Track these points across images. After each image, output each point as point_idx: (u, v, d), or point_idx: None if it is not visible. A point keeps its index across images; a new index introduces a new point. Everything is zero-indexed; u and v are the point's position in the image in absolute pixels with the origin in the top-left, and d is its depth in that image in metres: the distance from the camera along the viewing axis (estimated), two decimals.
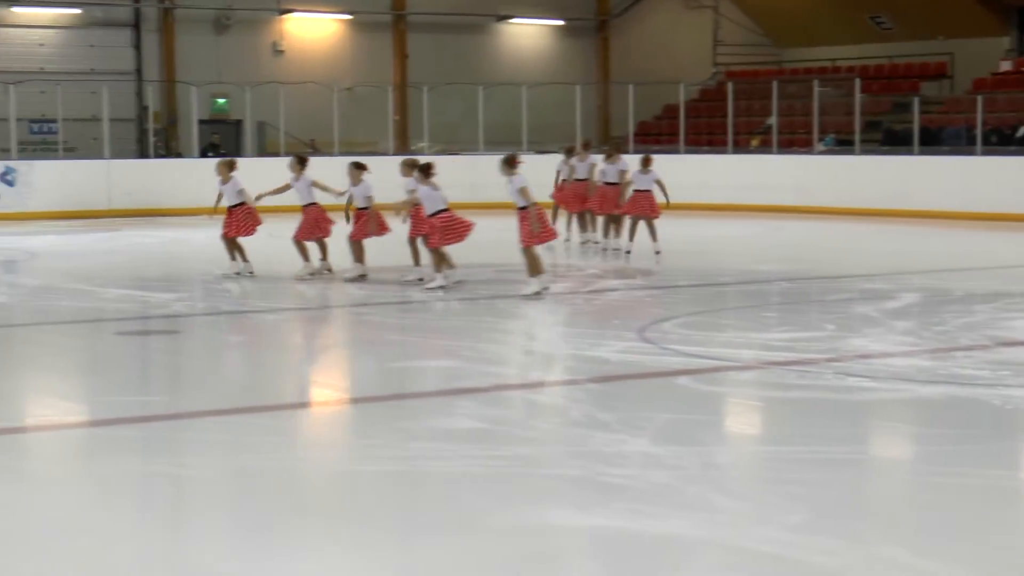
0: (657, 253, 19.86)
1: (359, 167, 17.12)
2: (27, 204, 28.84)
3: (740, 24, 41.51)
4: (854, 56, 38.29)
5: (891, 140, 32.86)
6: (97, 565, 6.30)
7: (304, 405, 10.38)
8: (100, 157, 30.60)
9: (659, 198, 20.34)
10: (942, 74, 37.08)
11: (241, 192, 17.56)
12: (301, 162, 17.66)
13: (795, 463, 7.97)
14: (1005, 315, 13.79)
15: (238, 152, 33.74)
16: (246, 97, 32.85)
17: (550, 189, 23.01)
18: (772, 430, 9.32)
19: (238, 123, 34.97)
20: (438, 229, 15.72)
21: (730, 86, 34.13)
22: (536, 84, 35.65)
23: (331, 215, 17.47)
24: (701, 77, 39.69)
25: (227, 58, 35.61)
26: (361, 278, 16.88)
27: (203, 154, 32.18)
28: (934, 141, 31.31)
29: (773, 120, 32.85)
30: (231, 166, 17.83)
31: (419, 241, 16.63)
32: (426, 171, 15.87)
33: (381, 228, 17.06)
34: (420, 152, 33.95)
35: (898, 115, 33.92)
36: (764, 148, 33.15)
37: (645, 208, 20.30)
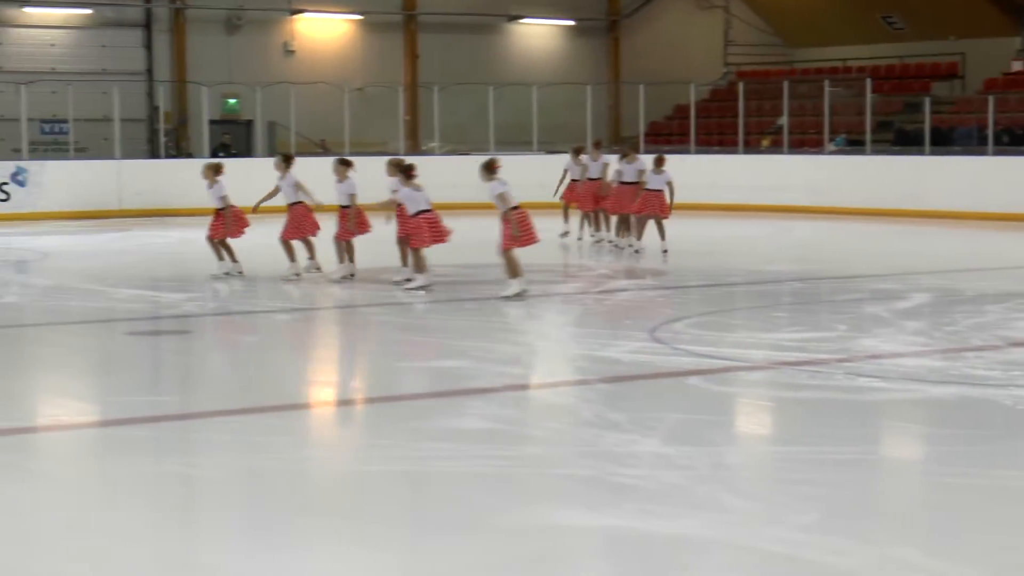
0: (664, 252, 19.90)
1: (344, 163, 17.20)
2: (38, 204, 28.89)
3: (751, 24, 41.47)
4: (865, 56, 38.23)
5: (902, 140, 32.82)
6: (108, 564, 6.30)
7: (314, 405, 10.38)
8: (111, 157, 30.63)
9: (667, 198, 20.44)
10: (953, 74, 37.02)
11: (226, 197, 17.62)
12: (286, 160, 17.68)
13: (806, 463, 7.96)
14: (1016, 315, 13.76)
15: (249, 152, 33.82)
16: (257, 97, 32.87)
17: (555, 189, 23.12)
18: (783, 430, 9.31)
19: (249, 123, 34.98)
20: (419, 229, 15.78)
21: (741, 86, 34.10)
22: (547, 84, 35.64)
23: (323, 215, 17.43)
24: (712, 77, 39.67)
25: (238, 58, 35.65)
26: (345, 279, 16.86)
27: (214, 154, 32.13)
28: (945, 141, 31.27)
29: (784, 120, 32.82)
30: (217, 169, 17.87)
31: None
32: (408, 172, 15.94)
33: (361, 226, 17.07)
34: (431, 152, 34.00)
35: (909, 115, 33.89)
36: (775, 148, 33.12)
37: (656, 207, 20.41)
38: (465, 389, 10.37)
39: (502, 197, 15.06)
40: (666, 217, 20.42)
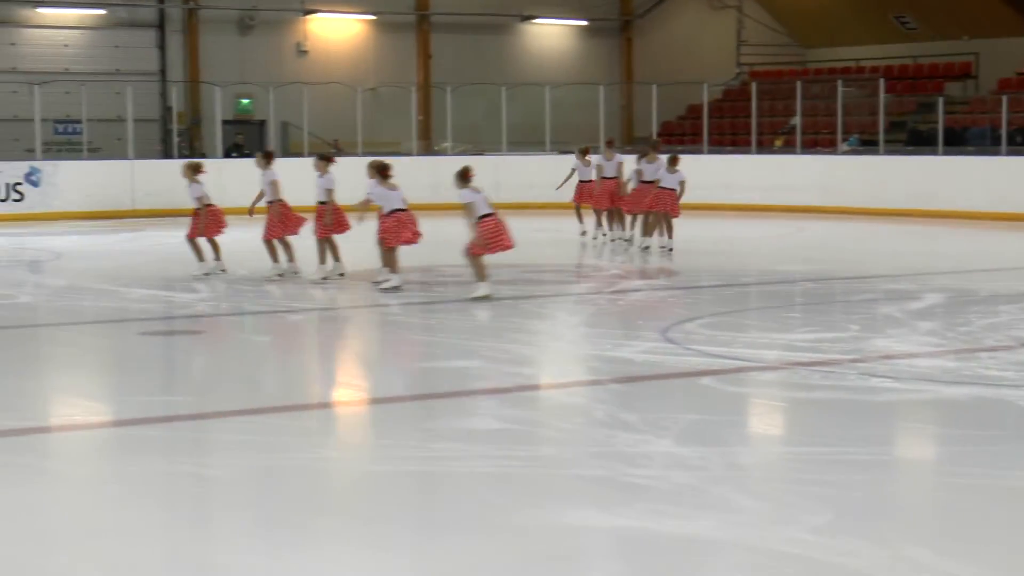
0: (670, 251, 20.01)
1: (324, 159, 17.28)
2: (52, 204, 28.97)
3: (764, 24, 41.43)
4: (878, 56, 38.19)
5: (915, 140, 32.78)
6: (122, 564, 6.32)
7: (327, 405, 10.39)
8: (124, 157, 30.69)
9: None
10: (967, 74, 36.96)
11: (202, 197, 17.64)
12: (267, 157, 17.69)
13: (819, 464, 7.95)
14: None
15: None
16: (270, 97, 32.92)
17: (564, 191, 23.24)
18: (796, 431, 9.30)
19: (262, 123, 35.04)
20: (389, 230, 15.83)
21: (754, 86, 34.09)
22: (559, 84, 35.65)
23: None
24: (725, 77, 39.64)
25: (251, 59, 35.71)
26: (327, 279, 16.85)
27: (227, 154, 32.24)
28: (959, 141, 31.22)
29: (797, 120, 32.79)
30: (196, 169, 17.92)
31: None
32: (383, 171, 16.00)
33: (339, 225, 17.05)
34: (444, 152, 34.02)
35: (922, 115, 33.85)
36: (788, 148, 33.10)
37: (667, 205, 20.52)
38: (478, 389, 10.38)
39: (469, 208, 15.08)
40: (676, 216, 20.56)
